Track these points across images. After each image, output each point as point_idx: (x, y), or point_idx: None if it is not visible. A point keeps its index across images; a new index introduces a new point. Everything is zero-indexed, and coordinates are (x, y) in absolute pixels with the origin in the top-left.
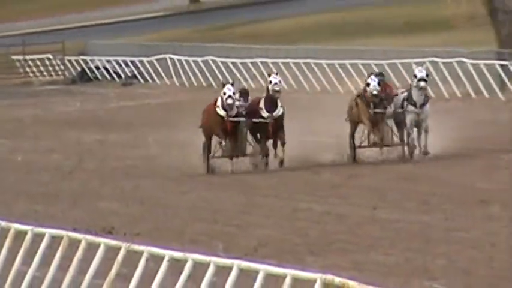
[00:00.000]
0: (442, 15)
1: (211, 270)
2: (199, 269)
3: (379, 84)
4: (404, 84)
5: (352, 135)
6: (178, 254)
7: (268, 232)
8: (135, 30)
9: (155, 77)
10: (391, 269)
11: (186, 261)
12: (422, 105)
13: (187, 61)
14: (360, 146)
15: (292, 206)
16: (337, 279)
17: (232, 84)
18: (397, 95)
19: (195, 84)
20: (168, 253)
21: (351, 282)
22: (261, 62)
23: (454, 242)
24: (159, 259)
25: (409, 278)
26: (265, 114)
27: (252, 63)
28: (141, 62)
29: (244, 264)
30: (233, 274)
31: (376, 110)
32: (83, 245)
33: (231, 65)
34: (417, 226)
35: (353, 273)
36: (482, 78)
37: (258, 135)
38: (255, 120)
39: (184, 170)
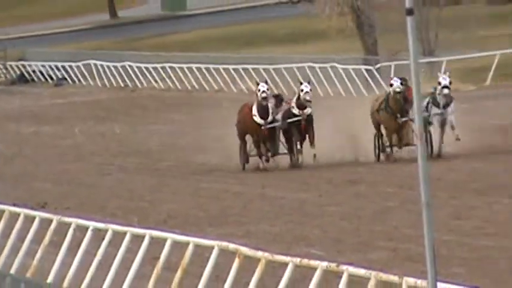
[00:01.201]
0: (318, 28)
1: (127, 238)
2: (118, 237)
3: (401, 84)
4: (288, 86)
5: (377, 137)
6: (100, 225)
7: (175, 207)
8: (66, 40)
9: (81, 79)
10: (276, 237)
11: (106, 231)
12: (446, 105)
13: (107, 66)
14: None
15: (195, 185)
16: (232, 246)
17: (266, 82)
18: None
19: (114, 85)
20: (91, 224)
21: (243, 248)
22: (169, 67)
23: (327, 215)
24: (84, 229)
25: (291, 245)
26: (296, 111)
27: (161, 67)
28: (70, 66)
29: (155, 233)
30: (146, 242)
31: (403, 119)
32: (21, 217)
33: (143, 69)
34: (297, 202)
35: (245, 240)
36: (351, 80)
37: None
38: (290, 120)
39: (105, 156)
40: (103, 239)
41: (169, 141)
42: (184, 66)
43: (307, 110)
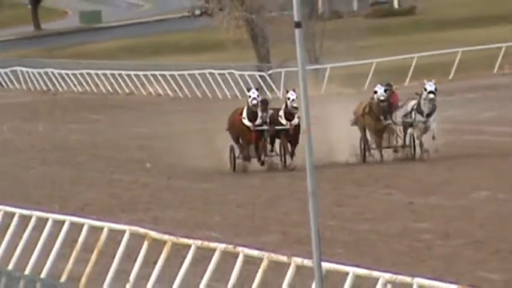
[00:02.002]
0: (217, 39)
1: (50, 223)
2: (41, 222)
3: (385, 91)
4: (190, 89)
5: (363, 139)
6: (25, 212)
7: (91, 196)
8: None
9: (9, 84)
10: (180, 223)
11: (31, 217)
12: (429, 114)
13: (32, 72)
14: (369, 148)
15: (109, 177)
16: (141, 230)
17: (257, 89)
18: (401, 106)
19: (38, 89)
20: (17, 211)
21: (151, 232)
22: (86, 73)
23: (226, 203)
24: (11, 215)
25: (193, 229)
26: (284, 122)
27: (79, 73)
28: None
29: (74, 219)
30: (66, 226)
31: (386, 122)
32: None
33: (64, 75)
34: (200, 191)
35: (153, 225)
36: (246, 85)
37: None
38: (278, 127)
39: (30, 152)
40: (28, 224)
41: (87, 138)
42: (100, 72)
43: (295, 121)
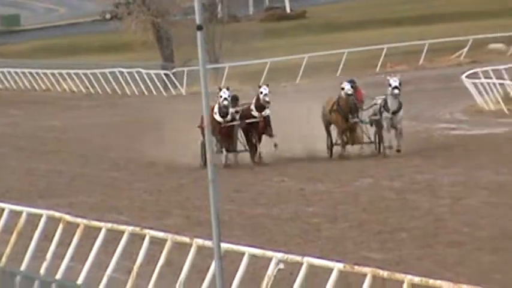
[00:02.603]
0: (126, 40)
1: None
2: None
3: (352, 87)
4: (101, 86)
5: (328, 134)
6: None
7: (12, 183)
8: None
9: None
10: (93, 207)
11: None
12: (396, 111)
13: None
14: (335, 144)
15: (27, 166)
16: (57, 214)
17: (228, 89)
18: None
19: None
20: None
21: (66, 216)
22: (7, 71)
23: (134, 190)
24: None
25: (104, 213)
26: (255, 113)
27: (1, 72)
28: None
29: None
30: None
31: (354, 120)
32: None
33: None
34: (110, 179)
35: (68, 210)
36: (152, 82)
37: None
38: (248, 121)
39: None
40: None
41: (7, 130)
42: (19, 70)
43: (265, 112)
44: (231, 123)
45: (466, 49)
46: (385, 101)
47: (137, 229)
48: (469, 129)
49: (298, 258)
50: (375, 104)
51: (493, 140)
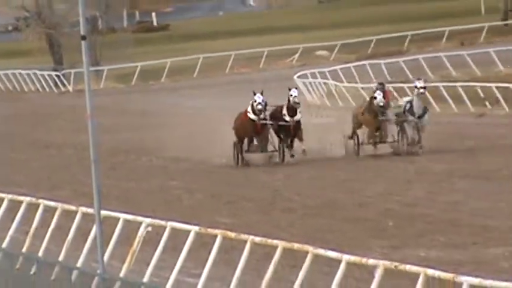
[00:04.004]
0: (24, 48)
1: None
2: None
3: (382, 90)
4: (4, 84)
5: (351, 137)
6: None
7: None
8: None
9: None
10: None
11: None
12: (421, 116)
13: None
14: (362, 143)
15: None
16: None
17: (262, 94)
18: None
19: None
20: None
21: None
22: None
23: (29, 168)
24: None
25: (6, 187)
26: (287, 118)
27: None
28: None
29: None
30: None
31: (382, 118)
32: None
33: None
34: (9, 159)
35: None
36: (46, 82)
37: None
38: (280, 123)
39: None
40: None
41: None
42: None
43: (297, 117)
44: (264, 122)
45: (297, 55)
46: (411, 104)
47: (33, 199)
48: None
49: (163, 222)
50: (399, 106)
51: (319, 127)
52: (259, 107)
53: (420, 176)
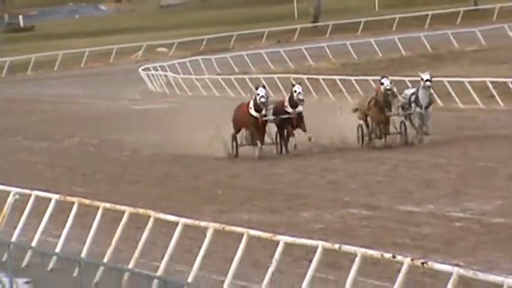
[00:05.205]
0: None
1: None
2: None
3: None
4: None
5: (362, 127)
6: None
7: None
8: None
9: None
10: None
11: None
12: (427, 106)
13: None
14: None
15: None
16: None
17: (264, 87)
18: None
19: None
20: None
21: None
22: None
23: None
24: None
25: None
26: (289, 110)
27: None
28: None
29: None
30: None
31: (389, 114)
32: None
33: None
34: None
35: None
36: None
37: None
38: (283, 116)
39: None
40: None
41: None
42: None
43: (299, 108)
44: (266, 118)
45: (141, 51)
46: (416, 95)
47: None
48: (143, 104)
49: (28, 191)
50: (404, 97)
51: (158, 111)
52: (263, 99)
53: (240, 154)
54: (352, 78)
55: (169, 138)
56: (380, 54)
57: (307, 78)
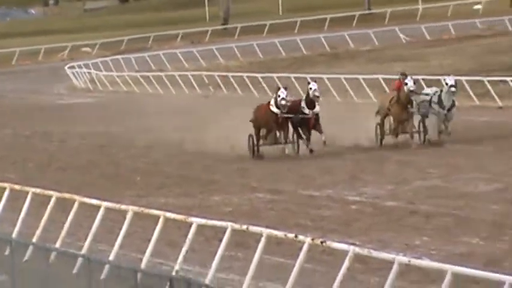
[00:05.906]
0: None
1: None
2: None
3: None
4: None
5: (381, 126)
6: None
7: None
8: None
9: None
10: None
11: None
12: (450, 108)
13: None
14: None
15: None
16: None
17: (286, 89)
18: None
19: None
20: None
21: None
22: None
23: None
24: None
25: None
26: (306, 111)
27: None
28: None
29: None
30: None
31: (411, 110)
32: None
33: None
34: None
35: None
36: None
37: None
38: (301, 116)
39: None
40: None
41: None
42: None
43: (316, 109)
44: (286, 115)
45: (67, 51)
46: (439, 97)
47: None
48: (69, 99)
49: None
50: (425, 96)
51: (83, 105)
52: (283, 102)
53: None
54: (258, 75)
55: (93, 130)
56: (283, 54)
57: (218, 75)
